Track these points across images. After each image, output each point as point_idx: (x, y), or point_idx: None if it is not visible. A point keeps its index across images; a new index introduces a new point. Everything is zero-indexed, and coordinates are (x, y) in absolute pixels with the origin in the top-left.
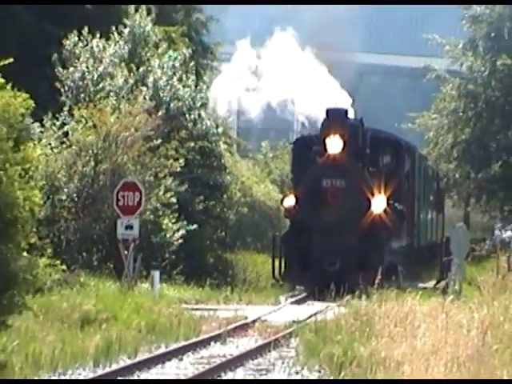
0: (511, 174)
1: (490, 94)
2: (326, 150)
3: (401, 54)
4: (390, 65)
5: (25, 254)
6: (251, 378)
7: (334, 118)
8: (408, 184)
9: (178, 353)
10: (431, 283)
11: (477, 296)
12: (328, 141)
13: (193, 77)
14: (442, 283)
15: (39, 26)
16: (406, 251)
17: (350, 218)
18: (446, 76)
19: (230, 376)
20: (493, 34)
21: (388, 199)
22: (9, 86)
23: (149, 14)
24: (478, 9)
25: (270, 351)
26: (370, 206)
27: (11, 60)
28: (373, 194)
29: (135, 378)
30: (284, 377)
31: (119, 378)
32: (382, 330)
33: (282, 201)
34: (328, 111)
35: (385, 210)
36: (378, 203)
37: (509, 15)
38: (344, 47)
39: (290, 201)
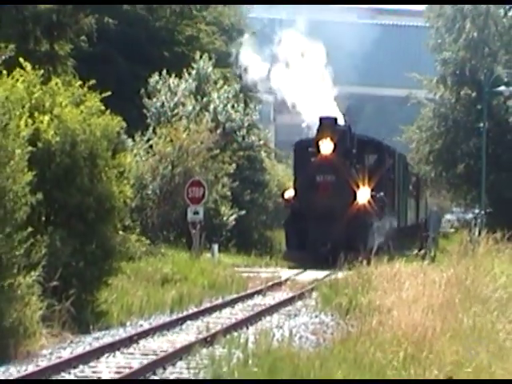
0: (472, 173)
1: (455, 115)
2: (319, 151)
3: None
4: (384, 94)
5: (120, 232)
6: (284, 319)
7: (326, 125)
8: (389, 178)
9: (231, 303)
10: (415, 252)
11: (446, 261)
12: (321, 143)
13: (242, 105)
14: (422, 252)
15: (130, 68)
16: (390, 232)
17: (339, 207)
18: (424, 102)
19: (267, 319)
20: (457, 72)
21: (372, 190)
22: (108, 112)
23: (210, 59)
24: (446, 54)
25: (296, 301)
26: (355, 197)
27: (109, 93)
28: (358, 187)
29: (199, 322)
30: (307, 319)
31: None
32: (377, 285)
33: (282, 193)
34: (321, 119)
35: (368, 200)
36: (363, 194)
37: (469, 59)
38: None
39: (289, 193)
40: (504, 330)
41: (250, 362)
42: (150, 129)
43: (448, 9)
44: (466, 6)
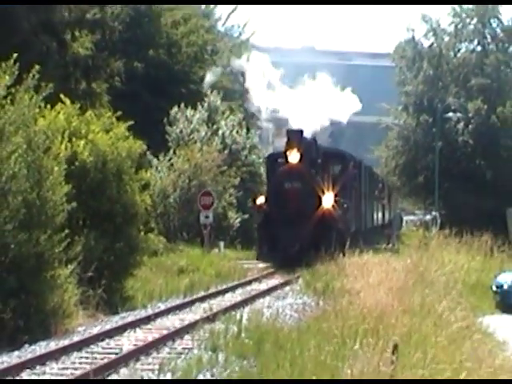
0: (429, 182)
1: (415, 137)
2: (287, 161)
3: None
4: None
5: (142, 233)
6: (273, 301)
7: (293, 137)
8: (353, 185)
9: (233, 288)
10: (383, 246)
11: (406, 252)
12: (288, 154)
13: (244, 130)
14: (388, 246)
15: (155, 102)
16: (355, 233)
17: (305, 211)
18: (391, 126)
19: (261, 301)
20: (417, 102)
21: (335, 196)
22: (131, 137)
23: (218, 93)
24: (408, 87)
25: (285, 287)
26: (320, 202)
27: (133, 122)
28: (323, 193)
29: (205, 304)
30: (292, 300)
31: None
32: (349, 272)
33: (253, 200)
34: (288, 132)
35: (332, 205)
36: (327, 200)
37: (426, 91)
38: None
39: (260, 200)
40: (445, 306)
41: (243, 334)
42: (171, 150)
43: (409, 52)
44: (423, 49)
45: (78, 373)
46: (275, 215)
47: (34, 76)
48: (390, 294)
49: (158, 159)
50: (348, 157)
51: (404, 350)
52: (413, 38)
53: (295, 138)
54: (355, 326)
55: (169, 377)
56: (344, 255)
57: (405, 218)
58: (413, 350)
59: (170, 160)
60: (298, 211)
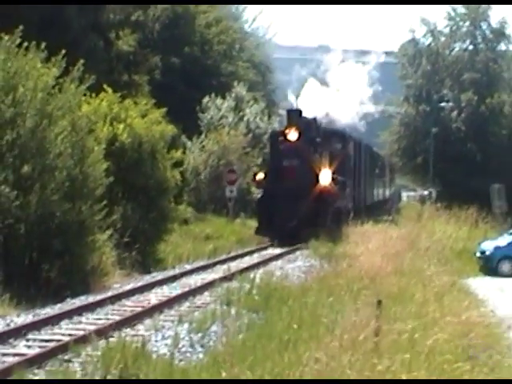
0: (426, 163)
1: (415, 124)
2: (286, 139)
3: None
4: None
5: (172, 204)
6: (285, 263)
7: (292, 116)
8: (353, 163)
9: (251, 253)
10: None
11: (403, 223)
12: (287, 132)
13: (266, 117)
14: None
15: (189, 92)
16: (355, 208)
17: (303, 187)
18: (393, 114)
19: (273, 263)
20: (417, 93)
21: (334, 173)
22: (164, 122)
23: (244, 85)
24: (409, 81)
25: (296, 251)
26: (318, 179)
27: (165, 109)
28: (321, 170)
29: (225, 265)
30: (301, 263)
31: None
32: (351, 240)
33: (254, 176)
34: (288, 111)
35: (330, 182)
36: (324, 176)
37: (425, 84)
38: None
39: (260, 176)
40: (432, 269)
41: (254, 291)
42: (203, 134)
43: (410, 50)
44: (422, 48)
45: (109, 322)
46: (274, 191)
47: (78, 69)
48: (385, 258)
49: (192, 141)
50: (347, 136)
51: (390, 304)
52: (413, 38)
53: (294, 117)
54: (351, 284)
55: (186, 326)
56: (340, 229)
57: (406, 194)
58: (397, 304)
59: (201, 142)
60: (295, 187)
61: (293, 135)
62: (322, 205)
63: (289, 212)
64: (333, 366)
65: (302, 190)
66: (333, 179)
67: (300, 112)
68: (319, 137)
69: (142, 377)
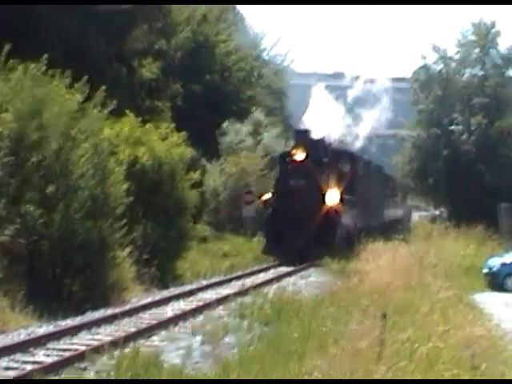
0: (437, 184)
1: (426, 146)
2: (293, 159)
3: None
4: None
5: (191, 223)
6: (298, 279)
7: (299, 136)
8: (362, 184)
9: (266, 269)
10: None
11: (413, 241)
12: (294, 152)
13: (283, 140)
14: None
15: (210, 117)
16: (363, 228)
17: (309, 208)
18: (406, 138)
19: (287, 279)
20: (429, 117)
21: (342, 193)
22: (183, 145)
23: (262, 110)
24: (421, 106)
25: (309, 268)
26: (325, 199)
27: (184, 133)
28: (328, 190)
29: (240, 281)
30: (314, 279)
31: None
32: (362, 257)
33: (260, 196)
34: (295, 131)
35: (338, 202)
36: (331, 197)
37: (436, 109)
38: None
39: (267, 196)
40: (439, 284)
41: (267, 305)
42: (222, 157)
43: (422, 76)
44: (434, 74)
45: (124, 334)
46: (281, 211)
47: (100, 95)
48: (394, 274)
49: (212, 164)
50: (356, 156)
51: (396, 317)
52: (425, 64)
53: (301, 137)
54: (361, 298)
55: (199, 338)
56: (351, 247)
57: (418, 214)
58: (402, 317)
59: (221, 165)
60: (302, 208)
61: (300, 155)
62: (329, 224)
63: (296, 231)
64: (333, 374)
65: (308, 210)
66: (340, 199)
67: (307, 132)
68: (327, 157)
69: None
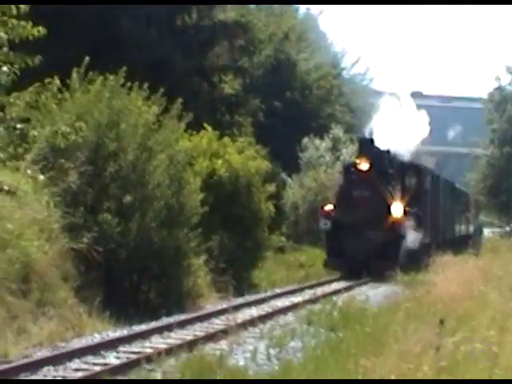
0: (510, 201)
1: (500, 164)
2: (357, 169)
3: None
4: (458, 152)
5: (266, 234)
6: (369, 289)
7: (363, 146)
8: (431, 197)
9: (339, 279)
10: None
11: (483, 255)
12: (358, 162)
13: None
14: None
15: (290, 133)
16: (432, 243)
17: (373, 220)
18: (479, 156)
19: (357, 288)
20: (502, 137)
21: (407, 206)
22: (258, 158)
23: (341, 127)
24: (495, 125)
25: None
26: (389, 212)
27: (259, 146)
28: (393, 203)
29: (313, 290)
30: (384, 289)
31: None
32: (431, 269)
33: (321, 207)
34: (359, 140)
35: (402, 214)
36: (396, 209)
37: (509, 128)
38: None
39: (329, 206)
40: (495, 294)
41: (335, 313)
42: (302, 172)
43: (496, 97)
44: (507, 95)
45: (193, 338)
46: (343, 222)
47: (178, 107)
48: (461, 286)
49: (291, 178)
50: (424, 170)
51: (454, 324)
52: (499, 85)
53: (365, 146)
54: (427, 307)
55: (265, 342)
56: (418, 261)
57: (492, 230)
58: (462, 326)
59: (300, 179)
60: (365, 219)
61: (364, 165)
62: (393, 238)
63: (358, 244)
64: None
65: (372, 222)
66: (405, 212)
67: (372, 141)
68: (393, 169)
69: None
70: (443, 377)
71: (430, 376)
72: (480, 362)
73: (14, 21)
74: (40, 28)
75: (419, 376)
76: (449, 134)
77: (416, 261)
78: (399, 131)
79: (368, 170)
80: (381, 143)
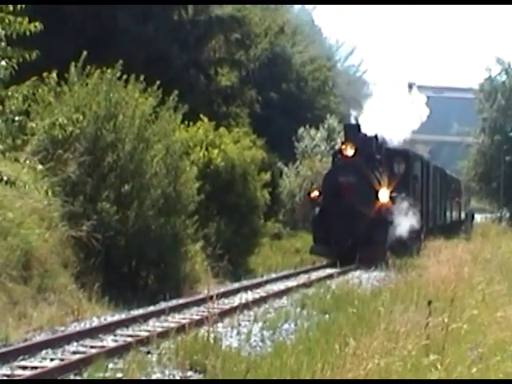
0: (500, 187)
1: (490, 152)
2: (342, 155)
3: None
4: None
5: (262, 221)
6: (363, 273)
7: (349, 132)
8: (421, 183)
9: (333, 264)
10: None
11: (473, 239)
12: (344, 147)
13: None
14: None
15: (286, 124)
16: (420, 230)
17: (359, 206)
18: (471, 144)
19: (351, 273)
20: (492, 125)
21: (396, 192)
22: (254, 148)
23: (336, 117)
24: (485, 114)
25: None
26: (376, 197)
27: (255, 136)
28: (380, 188)
29: (307, 275)
30: (377, 273)
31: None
32: (424, 254)
33: (308, 193)
34: (345, 126)
35: (389, 201)
36: (383, 195)
37: (499, 117)
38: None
39: (315, 193)
40: (484, 277)
41: (328, 296)
42: (298, 161)
43: (486, 87)
44: (497, 85)
45: (189, 321)
46: (330, 209)
47: (173, 99)
48: (453, 268)
49: (288, 167)
50: (413, 156)
51: (444, 307)
52: (490, 76)
53: (351, 132)
54: (418, 290)
55: (260, 325)
56: (408, 246)
57: (484, 216)
58: (450, 307)
59: (296, 168)
60: (352, 205)
61: (349, 151)
62: (380, 223)
63: (344, 230)
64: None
65: (358, 208)
66: (393, 198)
67: (358, 127)
68: (380, 154)
69: (208, 365)
70: (428, 355)
71: (414, 354)
72: (466, 340)
73: (10, 17)
74: (36, 23)
75: (404, 354)
76: (442, 123)
77: (406, 246)
78: (391, 119)
79: (353, 156)
80: (370, 129)
